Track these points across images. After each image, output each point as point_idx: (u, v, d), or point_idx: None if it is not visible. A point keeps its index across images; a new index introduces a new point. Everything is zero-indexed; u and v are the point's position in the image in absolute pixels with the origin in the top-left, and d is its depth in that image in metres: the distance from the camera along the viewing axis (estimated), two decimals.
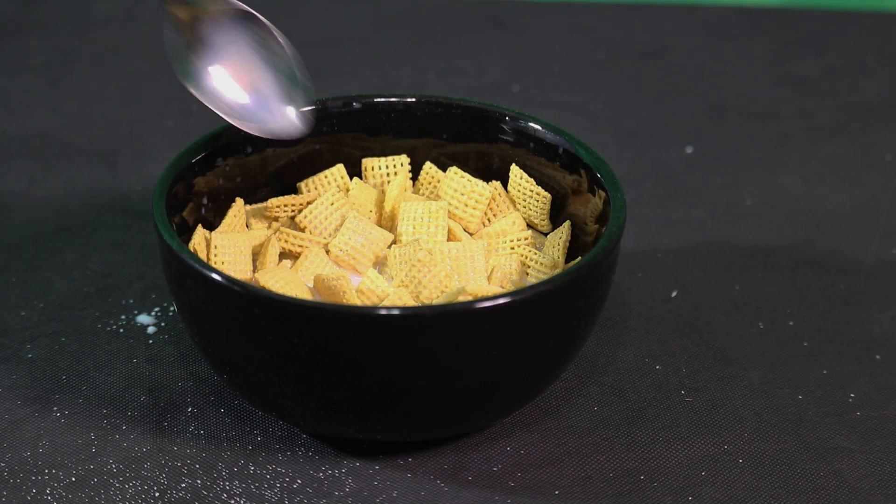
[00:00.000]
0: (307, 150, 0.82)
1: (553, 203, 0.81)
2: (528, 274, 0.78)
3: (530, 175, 0.81)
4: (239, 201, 0.80)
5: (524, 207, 0.81)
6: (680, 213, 0.96)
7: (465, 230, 0.80)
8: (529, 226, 0.81)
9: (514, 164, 0.81)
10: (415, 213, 0.79)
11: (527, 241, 0.79)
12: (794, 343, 0.84)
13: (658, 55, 1.17)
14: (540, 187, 0.80)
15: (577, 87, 1.12)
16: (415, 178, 0.83)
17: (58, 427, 0.76)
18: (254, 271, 0.78)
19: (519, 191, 0.81)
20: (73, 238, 0.91)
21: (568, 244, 0.79)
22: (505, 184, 0.82)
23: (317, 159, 0.83)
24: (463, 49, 1.17)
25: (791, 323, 0.85)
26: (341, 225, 0.79)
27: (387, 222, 0.81)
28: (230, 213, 0.79)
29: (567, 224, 0.79)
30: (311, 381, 0.70)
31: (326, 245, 0.79)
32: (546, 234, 0.81)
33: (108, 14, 1.20)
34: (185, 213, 0.78)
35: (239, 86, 0.76)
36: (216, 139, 0.80)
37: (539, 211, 0.81)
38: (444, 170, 0.83)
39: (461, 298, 0.74)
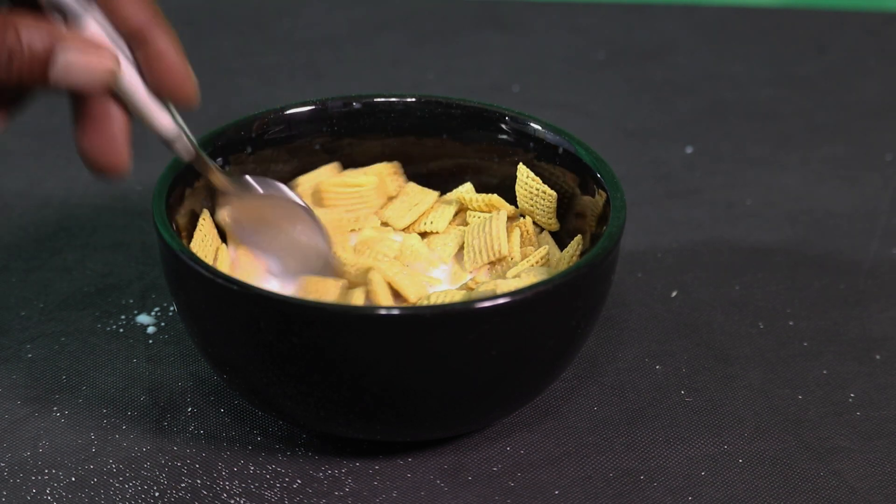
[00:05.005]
0: (307, 150, 0.82)
1: (559, 202, 0.81)
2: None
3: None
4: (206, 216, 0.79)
5: (531, 206, 0.81)
6: (680, 213, 0.96)
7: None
8: (536, 224, 0.81)
9: (521, 164, 0.81)
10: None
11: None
12: (794, 343, 0.84)
13: (658, 55, 1.17)
14: (546, 185, 0.80)
15: (577, 87, 1.12)
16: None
17: (58, 427, 0.76)
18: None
19: (526, 190, 0.81)
20: (73, 238, 0.91)
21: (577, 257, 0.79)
22: (510, 185, 0.82)
23: (317, 159, 0.83)
24: (463, 49, 1.17)
25: (791, 323, 0.85)
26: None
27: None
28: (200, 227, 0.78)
29: (578, 238, 0.79)
30: (311, 381, 0.70)
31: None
32: (553, 233, 0.81)
33: None
34: (185, 213, 0.78)
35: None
36: (216, 139, 0.80)
37: (546, 210, 0.80)
38: (440, 171, 0.83)
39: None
